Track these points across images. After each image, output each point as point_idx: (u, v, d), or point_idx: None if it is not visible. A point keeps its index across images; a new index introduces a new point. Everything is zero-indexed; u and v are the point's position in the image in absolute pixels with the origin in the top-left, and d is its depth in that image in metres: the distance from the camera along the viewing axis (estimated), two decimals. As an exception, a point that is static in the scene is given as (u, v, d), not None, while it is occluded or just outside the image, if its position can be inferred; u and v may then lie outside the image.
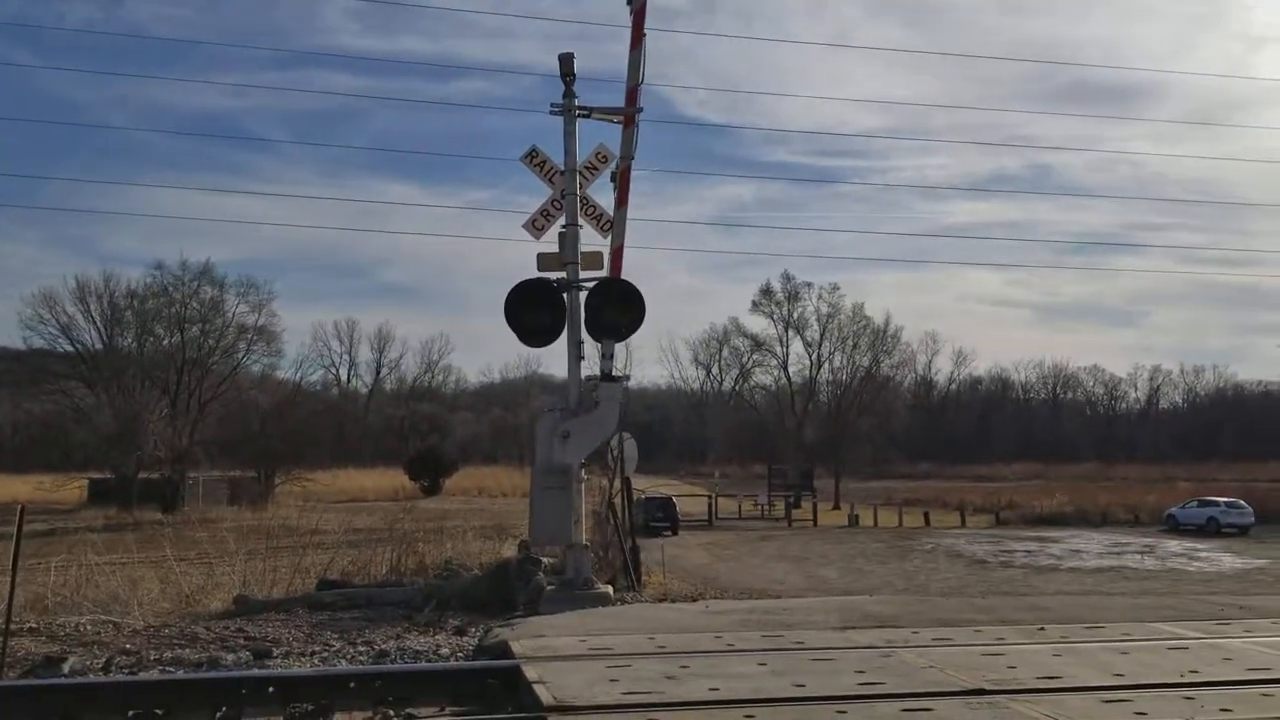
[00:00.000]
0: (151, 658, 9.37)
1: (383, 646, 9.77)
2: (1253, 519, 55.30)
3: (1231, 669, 7.74)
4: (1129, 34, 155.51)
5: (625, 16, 13.41)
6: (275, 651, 9.58)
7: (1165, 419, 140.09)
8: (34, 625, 10.83)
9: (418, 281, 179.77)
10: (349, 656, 9.46)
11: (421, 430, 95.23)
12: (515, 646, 8.42)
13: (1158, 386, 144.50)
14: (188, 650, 9.75)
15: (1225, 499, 57.78)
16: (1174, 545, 48.23)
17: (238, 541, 18.16)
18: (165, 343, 75.03)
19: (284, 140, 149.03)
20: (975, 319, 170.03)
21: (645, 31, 13.21)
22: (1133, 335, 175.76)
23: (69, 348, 74.01)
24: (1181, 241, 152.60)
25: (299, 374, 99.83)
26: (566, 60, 13.42)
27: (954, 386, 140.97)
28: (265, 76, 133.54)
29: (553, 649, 8.32)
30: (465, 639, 10.16)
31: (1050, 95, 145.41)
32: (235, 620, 11.64)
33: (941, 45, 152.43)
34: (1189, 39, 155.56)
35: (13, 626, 9.60)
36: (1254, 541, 50.20)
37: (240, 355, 79.31)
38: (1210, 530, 54.25)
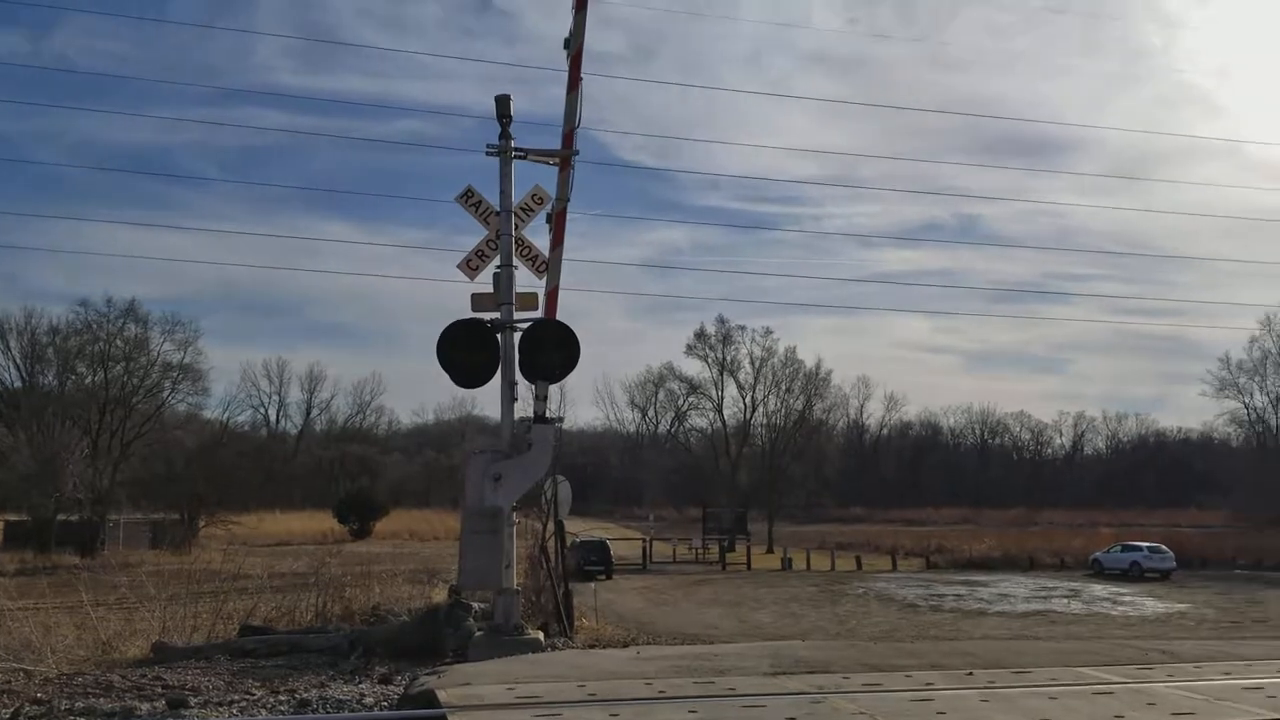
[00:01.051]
0: (63, 707, 9.02)
1: (305, 695, 9.52)
2: (1174, 564, 56.49)
3: (1155, 714, 7.83)
4: (1050, 90, 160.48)
5: (558, 60, 13.53)
6: (192, 701, 9.28)
7: (1089, 465, 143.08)
8: (-62, 674, 10.40)
9: (350, 321, 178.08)
10: (270, 706, 9.20)
11: (352, 472, 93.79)
12: (441, 695, 8.24)
13: (1082, 433, 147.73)
14: (102, 700, 9.42)
15: (1148, 544, 58.97)
16: (1099, 590, 49.04)
17: (158, 586, 17.68)
18: (88, 381, 73.22)
19: (216, 178, 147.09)
20: (906, 365, 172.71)
21: (582, 76, 13.32)
22: (1058, 382, 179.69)
23: (-13, 385, 72.00)
24: (1105, 291, 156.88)
25: (226, 414, 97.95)
26: (503, 102, 13.45)
27: (885, 431, 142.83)
28: (198, 112, 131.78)
29: (479, 697, 8.16)
30: (391, 687, 9.94)
31: (977, 148, 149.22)
32: (153, 668, 11.29)
33: (873, 98, 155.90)
34: (1108, 96, 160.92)
35: (-85, 676, 9.21)
36: (1175, 586, 51.26)
37: (165, 394, 77.72)
38: (1134, 575, 55.26)
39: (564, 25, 13.58)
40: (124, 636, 14.04)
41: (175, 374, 77.06)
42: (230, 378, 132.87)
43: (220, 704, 9.21)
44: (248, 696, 9.53)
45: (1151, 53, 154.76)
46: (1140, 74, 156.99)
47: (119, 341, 73.74)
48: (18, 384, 72.07)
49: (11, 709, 8.93)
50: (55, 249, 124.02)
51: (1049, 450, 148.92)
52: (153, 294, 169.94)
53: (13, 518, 63.90)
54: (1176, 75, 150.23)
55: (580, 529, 59.27)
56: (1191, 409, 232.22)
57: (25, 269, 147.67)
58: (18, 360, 72.30)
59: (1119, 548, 59.87)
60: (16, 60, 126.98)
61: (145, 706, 9.04)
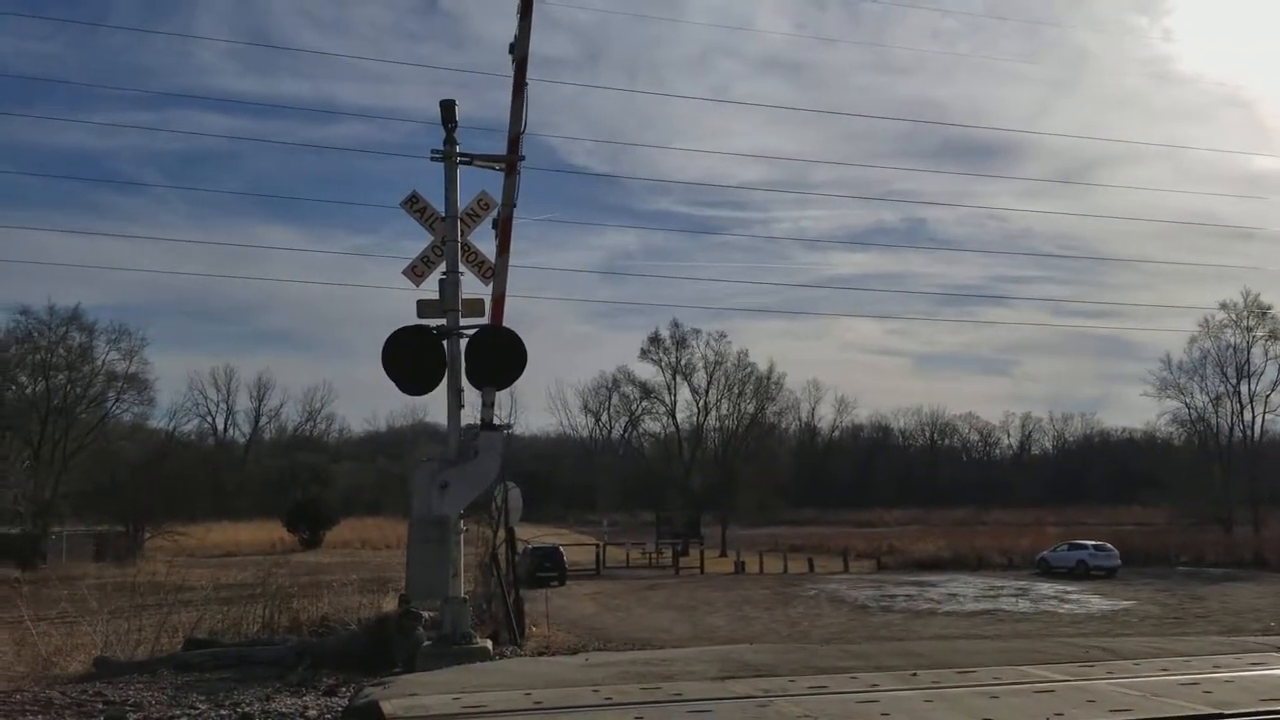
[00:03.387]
0: (-2, 726, 8.85)
1: (248, 709, 9.42)
2: (1119, 561, 57.43)
3: (1094, 710, 7.97)
4: (993, 94, 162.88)
5: (504, 64, 13.51)
6: (133, 717, 9.16)
7: (1037, 465, 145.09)
8: None
9: (298, 328, 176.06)
10: (213, 720, 9.08)
11: (302, 480, 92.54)
12: (385, 706, 8.17)
13: (1029, 433, 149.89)
14: (40, 717, 9.27)
15: (1093, 542, 59.91)
16: (1046, 588, 49.74)
17: (101, 600, 17.41)
18: (29, 391, 71.61)
19: (155, 184, 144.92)
20: (857, 367, 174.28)
21: (527, 80, 13.31)
22: (1005, 384, 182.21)
23: (-78, 395, 70.15)
24: (1049, 294, 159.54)
25: (173, 423, 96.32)
26: (448, 107, 13.42)
27: (836, 434, 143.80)
28: (136, 116, 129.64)
29: (424, 708, 8.11)
30: (336, 699, 9.86)
31: (922, 152, 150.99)
32: (95, 683, 11.11)
33: (819, 103, 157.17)
34: (1048, 101, 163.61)
35: None
36: (1120, 583, 52.14)
37: (109, 404, 76.20)
38: (1080, 573, 56.08)
39: (510, 28, 13.57)
40: (65, 652, 13.81)
41: (120, 384, 75.61)
42: (176, 385, 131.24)
43: (162, 719, 9.07)
44: (191, 711, 9.41)
45: (1089, 56, 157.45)
46: (1079, 78, 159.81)
47: (61, 350, 72.24)
48: (-45, 394, 70.35)
49: (-56, 729, 8.74)
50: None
51: (997, 451, 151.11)
52: (95, 300, 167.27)
53: (-50, 531, 62.48)
54: (1115, 79, 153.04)
55: (533, 535, 59.06)
56: (1134, 409, 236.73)
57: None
58: (-45, 370, 70.57)
59: (1065, 546, 60.74)
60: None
61: (84, 723, 8.89)
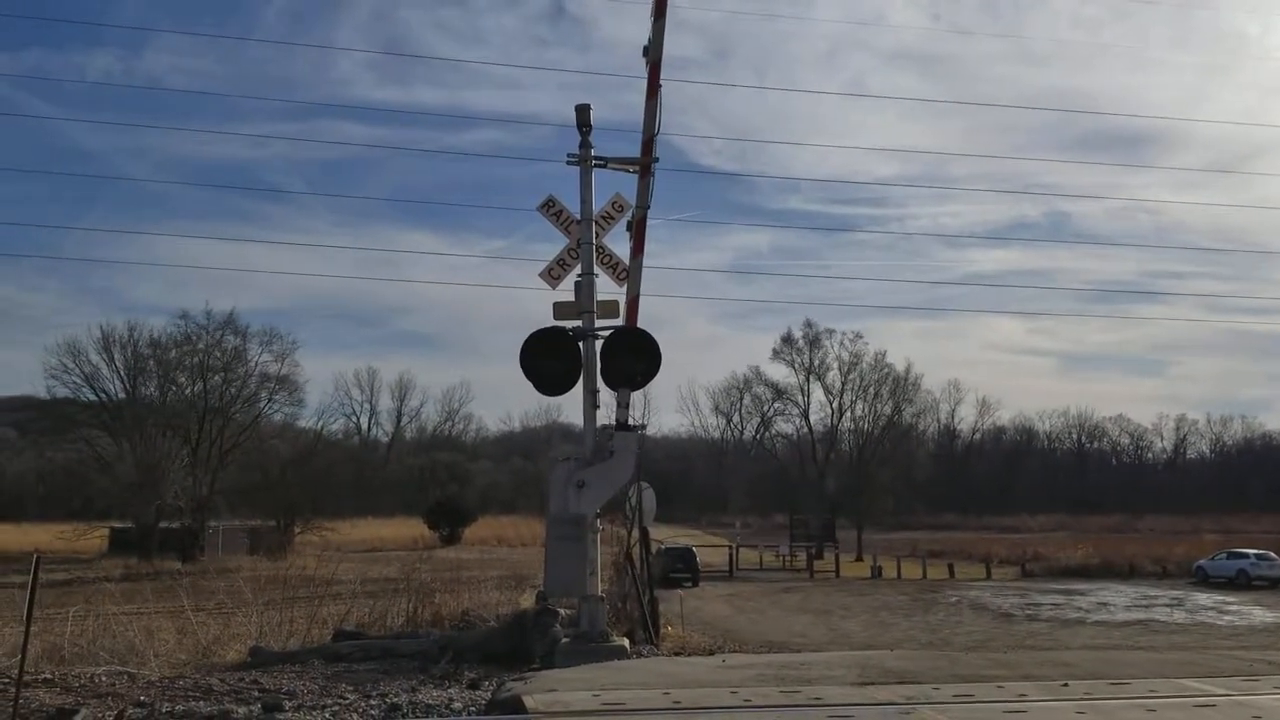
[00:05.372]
0: (164, 710, 9.28)
1: (395, 700, 9.66)
2: (1284, 571, 54.39)
3: (1261, 728, 7.54)
4: (1141, 83, 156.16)
5: (634, 66, 13.54)
6: (287, 705, 9.48)
7: (1192, 469, 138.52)
8: (49, 676, 10.77)
9: (437, 329, 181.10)
10: (361, 710, 9.35)
11: (441, 479, 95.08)
12: (528, 701, 8.30)
13: (1184, 436, 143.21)
14: (201, 703, 9.66)
15: (1255, 551, 56.90)
16: (1203, 598, 47.43)
17: (255, 592, 18.08)
18: (187, 392, 75.35)
19: (300, 191, 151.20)
20: (999, 367, 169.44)
21: (661, 82, 13.32)
22: (1158, 384, 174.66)
23: (92, 397, 74.45)
24: (1206, 290, 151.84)
25: (320, 423, 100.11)
26: (583, 111, 13.54)
27: (978, 436, 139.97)
28: (282, 127, 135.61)
29: (565, 704, 8.20)
30: (479, 692, 10.03)
31: (1066, 143, 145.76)
32: (250, 672, 11.55)
33: (955, 94, 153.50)
34: (1202, 88, 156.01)
35: (28, 677, 9.55)
36: (1285, 594, 49.31)
37: (262, 404, 79.56)
38: (1240, 583, 53.35)
39: (637, 30, 13.70)
40: (222, 641, 14.40)
41: (272, 385, 78.91)
42: (323, 386, 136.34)
43: (314, 708, 9.39)
44: (340, 700, 9.70)
45: (1247, 40, 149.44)
46: (1235, 63, 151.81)
47: (218, 353, 75.78)
48: (121, 395, 74.39)
49: (115, 711, 9.22)
50: (153, 262, 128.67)
51: (1149, 454, 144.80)
52: (247, 305, 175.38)
53: (117, 525, 66.26)
54: (1273, 63, 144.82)
55: (666, 536, 59.29)
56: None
57: (124, 283, 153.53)
58: (121, 372, 74.66)
59: (1225, 555, 57.86)
60: (111, 80, 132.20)
61: (242, 710, 9.26)
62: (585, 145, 13.54)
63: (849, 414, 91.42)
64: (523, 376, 13.06)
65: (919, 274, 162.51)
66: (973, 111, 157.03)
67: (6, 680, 9.94)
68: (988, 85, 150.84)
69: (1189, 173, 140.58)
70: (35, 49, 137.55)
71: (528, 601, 17.80)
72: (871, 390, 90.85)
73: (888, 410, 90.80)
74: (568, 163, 13.63)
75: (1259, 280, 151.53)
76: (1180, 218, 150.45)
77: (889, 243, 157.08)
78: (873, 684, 9.26)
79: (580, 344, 13.09)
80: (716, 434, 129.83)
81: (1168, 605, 44.10)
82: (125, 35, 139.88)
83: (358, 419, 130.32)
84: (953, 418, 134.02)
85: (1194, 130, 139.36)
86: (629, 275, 13.64)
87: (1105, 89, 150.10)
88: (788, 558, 67.55)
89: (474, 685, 10.50)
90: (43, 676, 10.67)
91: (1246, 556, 55.98)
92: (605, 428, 13.17)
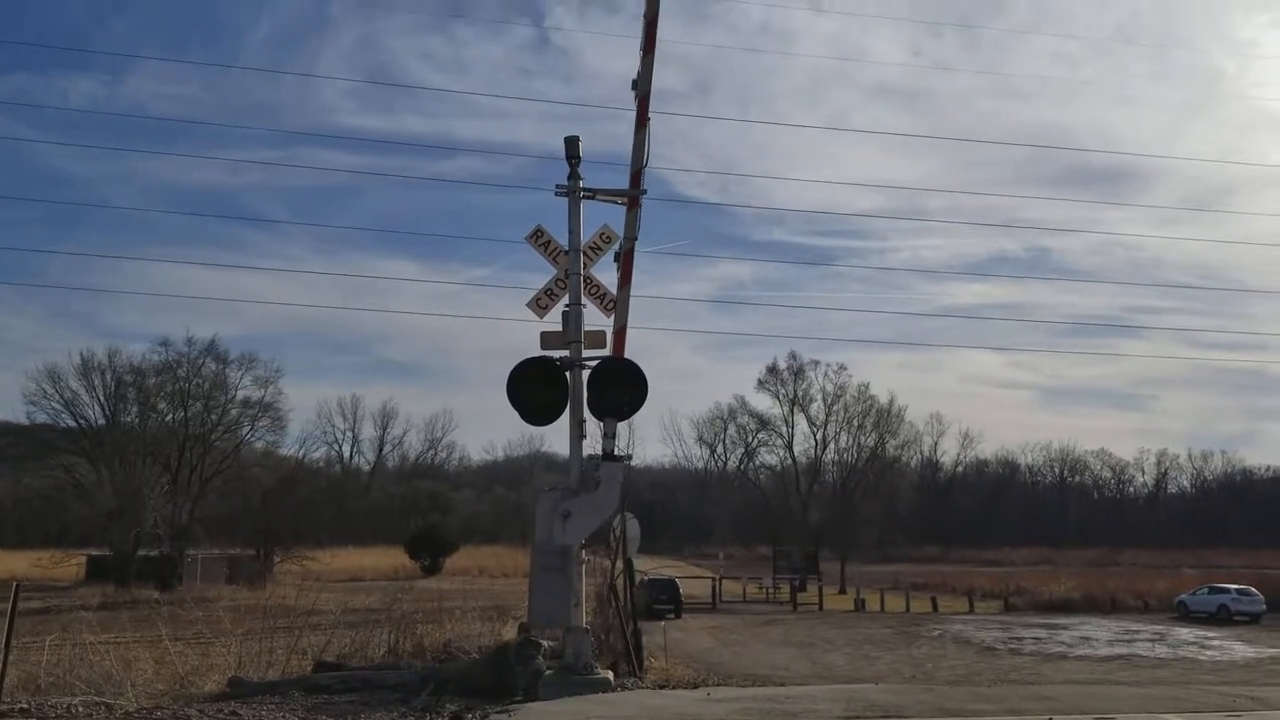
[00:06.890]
0: (141, 741, 9.17)
1: (377, 732, 9.57)
2: (1264, 606, 54.43)
3: (1246, 764, 7.54)
4: (1120, 119, 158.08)
5: (620, 98, 13.75)
6: (267, 736, 9.37)
7: (1173, 504, 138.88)
8: (25, 706, 10.62)
9: (418, 358, 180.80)
10: (342, 742, 9.25)
11: (423, 508, 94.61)
12: (512, 733, 8.23)
13: (1165, 471, 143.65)
14: (179, 734, 9.55)
15: (1236, 586, 56.98)
16: (1185, 633, 47.43)
17: (234, 621, 17.93)
18: (168, 418, 74.81)
19: (282, 219, 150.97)
20: (980, 401, 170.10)
21: (649, 116, 13.41)
22: (1139, 419, 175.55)
23: (71, 423, 73.91)
24: (1184, 325, 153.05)
25: (302, 451, 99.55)
26: (572, 143, 13.62)
27: (960, 469, 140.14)
28: (265, 154, 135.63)
29: (550, 736, 8.14)
30: (461, 725, 9.95)
31: (1045, 179, 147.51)
32: (229, 703, 11.42)
33: (936, 130, 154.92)
34: (1180, 125, 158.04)
35: (3, 707, 9.43)
36: (1266, 630, 49.35)
37: (244, 431, 79.04)
38: (1221, 618, 53.38)
39: (620, 63, 13.88)
40: (201, 671, 14.23)
41: (254, 411, 78.40)
42: (305, 414, 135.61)
43: (294, 740, 9.29)
44: (320, 732, 9.60)
45: (1224, 78, 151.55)
46: (1213, 101, 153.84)
47: (199, 380, 75.30)
48: (101, 421, 73.81)
49: (93, 742, 9.09)
50: (133, 290, 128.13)
51: (1131, 489, 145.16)
52: (228, 332, 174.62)
53: (95, 552, 65.49)
54: (1250, 101, 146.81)
55: (649, 567, 59.08)
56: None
57: (104, 308, 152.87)
58: (101, 398, 74.13)
59: (1206, 590, 57.88)
60: (94, 105, 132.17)
61: (221, 741, 9.15)
62: (574, 176, 13.61)
63: (833, 445, 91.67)
64: (507, 405, 13.05)
65: (899, 306, 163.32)
66: (953, 146, 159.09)
67: (-18, 710, 9.81)
68: (968, 120, 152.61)
69: (1167, 209, 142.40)
70: (19, 73, 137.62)
71: (510, 633, 17.68)
72: (855, 422, 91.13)
73: (871, 442, 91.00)
74: (556, 194, 13.69)
75: (1236, 316, 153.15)
76: (1158, 253, 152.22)
77: (869, 275, 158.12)
78: (858, 718, 9.23)
79: (567, 374, 13.09)
80: (700, 464, 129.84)
81: (1150, 640, 44.07)
82: (109, 61, 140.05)
83: (340, 447, 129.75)
84: (935, 450, 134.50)
85: (1172, 166, 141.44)
86: (616, 306, 13.68)
87: (1085, 125, 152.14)
88: (771, 590, 67.30)
89: (456, 718, 10.41)
90: (19, 706, 10.53)
91: (1228, 591, 56.04)
92: (591, 458, 13.15)
